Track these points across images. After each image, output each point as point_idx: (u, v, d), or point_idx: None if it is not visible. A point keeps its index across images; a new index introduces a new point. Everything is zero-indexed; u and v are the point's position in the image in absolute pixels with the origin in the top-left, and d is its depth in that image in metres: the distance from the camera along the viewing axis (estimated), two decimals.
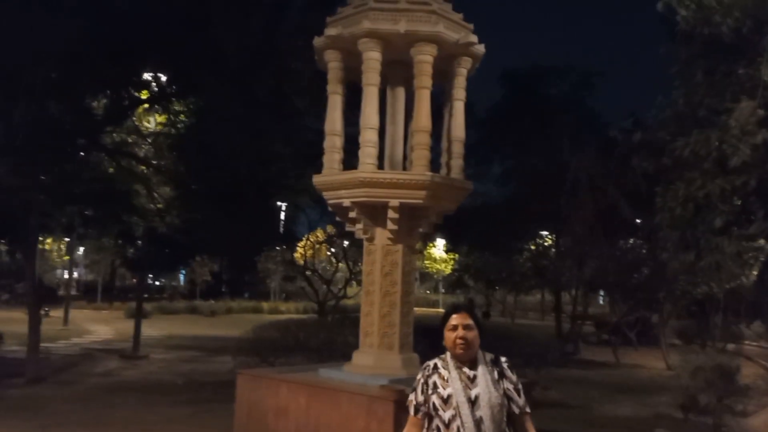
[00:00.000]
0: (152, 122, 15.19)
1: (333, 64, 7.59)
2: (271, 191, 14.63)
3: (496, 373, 2.96)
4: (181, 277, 62.60)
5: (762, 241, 6.59)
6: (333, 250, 25.31)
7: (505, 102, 20.35)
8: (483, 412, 2.83)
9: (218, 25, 11.64)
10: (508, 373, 3.00)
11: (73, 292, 48.08)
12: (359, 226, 7.50)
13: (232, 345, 18.00)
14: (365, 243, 7.64)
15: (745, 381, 11.19)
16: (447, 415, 2.85)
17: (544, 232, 24.56)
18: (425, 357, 7.53)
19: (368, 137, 7.22)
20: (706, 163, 5.63)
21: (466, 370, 2.93)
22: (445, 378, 2.92)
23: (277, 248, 30.70)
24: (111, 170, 13.88)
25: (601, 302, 32.92)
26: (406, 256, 7.50)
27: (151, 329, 21.56)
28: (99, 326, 24.69)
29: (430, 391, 2.94)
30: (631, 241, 20.10)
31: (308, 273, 19.23)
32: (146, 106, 13.43)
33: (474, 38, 7.43)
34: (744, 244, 6.08)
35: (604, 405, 11.29)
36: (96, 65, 12.00)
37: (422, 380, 3.00)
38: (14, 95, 11.13)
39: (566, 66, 20.26)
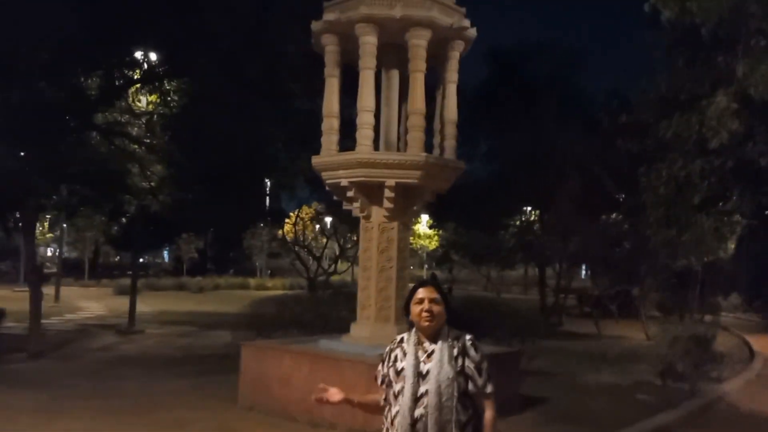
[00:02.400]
0: (143, 101, 15.27)
1: (330, 48, 7.86)
2: (265, 174, 14.82)
3: (456, 350, 2.88)
4: (165, 255, 62.61)
5: (738, 217, 7.03)
6: (318, 226, 25.59)
7: (490, 80, 20.63)
8: (429, 385, 2.80)
9: (208, 7, 11.76)
10: (471, 351, 2.90)
11: (47, 269, 48.03)
12: (356, 204, 7.84)
13: (224, 320, 18.43)
14: (362, 221, 7.99)
15: (721, 350, 11.79)
16: (397, 387, 2.87)
17: (528, 208, 25.06)
18: None
19: (365, 119, 7.53)
20: (687, 145, 6.02)
21: (426, 344, 2.90)
22: (405, 352, 2.92)
23: (262, 225, 30.89)
24: (104, 150, 14.00)
25: (582, 276, 33.61)
26: (401, 233, 7.87)
27: (142, 305, 21.74)
28: (89, 303, 24.88)
29: (390, 364, 2.96)
30: (614, 216, 20.63)
31: (298, 249, 19.54)
32: (138, 86, 13.54)
33: (467, 23, 7.72)
34: (722, 219, 6.50)
35: (587, 373, 11.80)
36: (87, 45, 12.08)
37: (389, 352, 3.01)
38: (7, 78, 11.24)
39: (550, 44, 20.55)
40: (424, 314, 2.87)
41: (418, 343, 2.91)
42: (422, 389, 2.80)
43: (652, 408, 8.61)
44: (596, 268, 20.63)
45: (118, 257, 55.25)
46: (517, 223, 23.82)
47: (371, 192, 7.69)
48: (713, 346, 10.66)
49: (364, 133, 7.50)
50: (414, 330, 2.96)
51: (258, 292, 35.76)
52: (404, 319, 3.00)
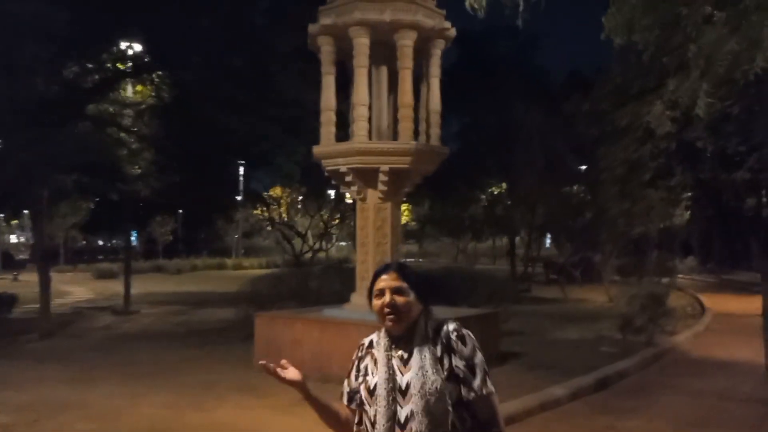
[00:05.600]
0: (128, 90, 15.91)
1: (326, 48, 8.77)
2: (262, 166, 15.64)
3: (439, 348, 2.18)
4: (133, 238, 62.46)
5: (681, 189, 8.26)
6: (299, 206, 26.47)
7: (458, 62, 21.69)
8: (414, 404, 2.10)
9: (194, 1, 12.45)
10: (458, 345, 2.19)
11: (24, 256, 47.90)
12: (354, 188, 8.84)
13: (212, 298, 19.33)
14: (358, 202, 9.00)
15: (675, 306, 13.20)
16: (372, 411, 2.18)
17: (493, 180, 26.36)
18: None
19: (360, 112, 8.50)
20: (638, 132, 7.18)
21: (399, 350, 2.21)
22: (376, 361, 2.22)
23: (237, 206, 31.54)
24: (96, 139, 14.63)
25: (547, 246, 35.19)
26: (394, 212, 8.92)
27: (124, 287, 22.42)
28: (74, 287, 25.40)
29: (360, 378, 2.28)
30: (575, 187, 22.03)
31: (281, 227, 20.47)
32: (129, 78, 14.21)
33: (447, 24, 8.72)
34: (669, 192, 7.71)
35: (555, 331, 13.11)
36: (78, 39, 12.69)
37: (356, 362, 2.33)
38: (6, 72, 11.84)
39: (514, 27, 21.63)
40: (386, 311, 2.20)
41: (390, 348, 2.22)
42: (405, 411, 2.12)
43: (613, 357, 9.90)
44: (560, 236, 22.05)
45: (85, 242, 55.17)
46: (486, 196, 25.13)
47: (367, 176, 8.68)
48: (667, 303, 12.01)
49: (360, 125, 8.47)
50: (383, 330, 2.27)
51: (236, 271, 36.54)
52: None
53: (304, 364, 8.44)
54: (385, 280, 2.25)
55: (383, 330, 2.26)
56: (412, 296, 2.22)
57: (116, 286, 23.87)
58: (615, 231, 18.63)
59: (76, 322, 14.85)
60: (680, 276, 26.56)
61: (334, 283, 12.23)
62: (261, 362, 2.28)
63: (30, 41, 11.62)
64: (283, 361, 2.32)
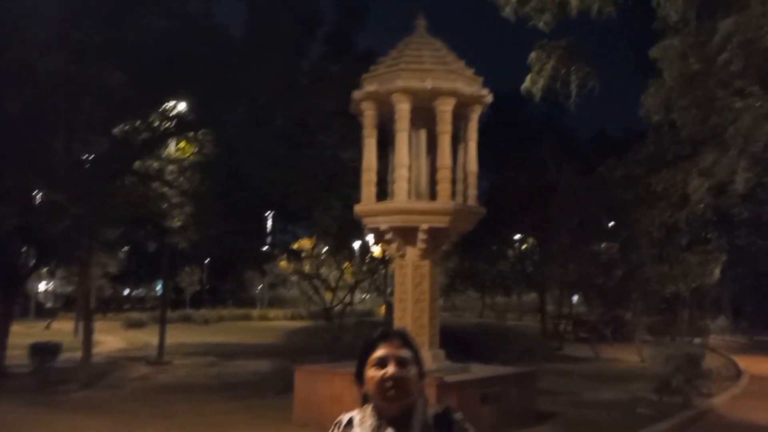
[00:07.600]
0: (172, 147, 16.54)
1: (369, 113, 9.19)
2: (299, 222, 16.10)
3: None
4: (158, 288, 63.07)
5: (718, 254, 8.46)
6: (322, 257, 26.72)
7: (490, 121, 22.17)
8: None
9: (243, 66, 13.12)
10: None
11: (50, 304, 48.51)
12: (393, 245, 9.11)
13: (243, 350, 19.52)
14: (397, 259, 9.25)
15: (711, 368, 13.09)
16: None
17: (519, 236, 26.46)
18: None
19: (401, 173, 8.85)
20: (674, 197, 7.42)
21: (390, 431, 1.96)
22: None
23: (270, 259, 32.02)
24: (140, 192, 15.21)
25: (574, 302, 34.91)
26: (432, 269, 9.14)
27: (158, 338, 22.72)
28: (106, 337, 25.69)
29: None
30: (604, 245, 22.04)
31: (312, 279, 20.71)
32: (176, 136, 14.85)
33: (485, 91, 9.11)
34: (706, 257, 7.91)
35: (588, 391, 13.02)
36: (131, 100, 13.39)
37: None
38: (59, 132, 12.51)
39: (547, 88, 22.22)
40: (388, 384, 1.95)
41: (377, 429, 1.98)
42: None
43: (650, 418, 9.85)
44: (591, 294, 21.97)
45: (112, 290, 55.80)
46: (514, 252, 25.21)
47: (406, 235, 8.96)
48: (703, 364, 11.94)
49: (401, 185, 8.80)
50: (371, 407, 2.02)
51: (261, 322, 36.70)
52: (358, 386, 2.06)
53: None
54: (388, 348, 1.99)
55: (369, 408, 2.00)
56: (414, 370, 1.99)
57: (146, 336, 24.19)
58: (646, 289, 18.59)
59: (111, 372, 15.10)
60: (711, 336, 26.12)
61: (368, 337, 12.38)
62: None
63: (88, 102, 12.33)
64: None
